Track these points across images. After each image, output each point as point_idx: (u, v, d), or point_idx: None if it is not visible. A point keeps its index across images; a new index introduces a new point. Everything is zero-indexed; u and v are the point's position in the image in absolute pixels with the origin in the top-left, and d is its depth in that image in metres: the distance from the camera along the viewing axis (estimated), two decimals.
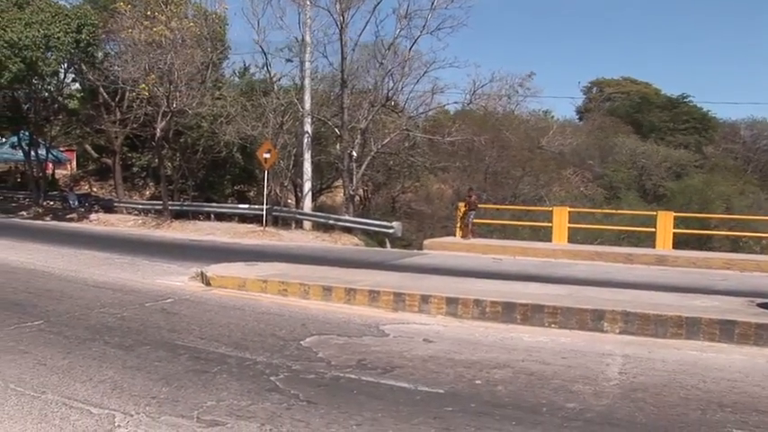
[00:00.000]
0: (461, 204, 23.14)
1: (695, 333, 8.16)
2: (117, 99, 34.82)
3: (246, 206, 32.43)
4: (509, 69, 63.26)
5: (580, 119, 70.33)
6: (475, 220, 22.52)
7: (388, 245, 24.60)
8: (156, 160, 33.99)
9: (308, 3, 29.42)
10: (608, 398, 5.85)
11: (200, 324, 8.57)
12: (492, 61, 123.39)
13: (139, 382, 6.06)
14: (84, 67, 32.76)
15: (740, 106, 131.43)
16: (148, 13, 26.68)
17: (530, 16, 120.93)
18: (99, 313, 9.13)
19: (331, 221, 27.89)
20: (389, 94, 32.04)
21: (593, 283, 12.42)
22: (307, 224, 28.76)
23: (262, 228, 26.32)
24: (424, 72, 31.26)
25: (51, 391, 5.76)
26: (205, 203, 33.89)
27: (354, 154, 30.54)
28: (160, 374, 6.28)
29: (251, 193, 40.00)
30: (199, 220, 30.78)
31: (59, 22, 26.37)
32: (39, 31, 25.64)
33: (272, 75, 33.22)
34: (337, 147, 32.81)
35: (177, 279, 12.57)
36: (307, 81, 30.16)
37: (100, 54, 31.91)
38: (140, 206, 35.04)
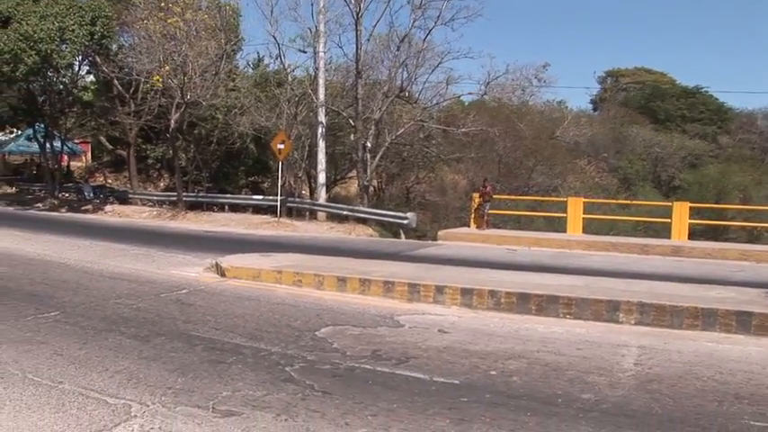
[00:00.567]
0: (476, 195, 23.07)
1: (711, 324, 8.11)
2: (131, 91, 34.91)
3: (260, 197, 32.48)
4: (523, 59, 63.41)
5: (595, 109, 70.04)
6: (490, 211, 22.48)
7: (402, 236, 24.54)
8: (171, 152, 34.00)
9: None
10: (623, 389, 5.83)
11: (216, 315, 8.59)
12: (506, 51, 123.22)
13: (155, 372, 6.09)
14: (98, 60, 32.83)
15: (757, 96, 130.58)
16: (162, 4, 26.70)
17: (545, 6, 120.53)
18: (115, 304, 9.18)
19: (345, 212, 27.88)
20: (403, 85, 31.99)
21: (609, 273, 12.38)
22: (321, 215, 28.78)
23: (276, 219, 26.34)
24: (438, 63, 31.20)
25: (68, 381, 5.80)
26: (219, 195, 33.93)
27: (368, 145, 30.54)
28: (176, 365, 6.31)
29: (265, 185, 40.05)
30: (213, 211, 30.82)
31: (74, 14, 26.39)
32: (54, 24, 25.68)
33: (285, 66, 33.23)
34: (351, 137, 32.80)
35: (192, 270, 12.60)
36: (321, 72, 30.15)
37: (114, 46, 31.95)
38: (155, 197, 35.11)
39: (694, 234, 21.39)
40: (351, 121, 31.62)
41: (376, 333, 7.78)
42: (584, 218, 21.75)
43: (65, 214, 29.69)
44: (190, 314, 8.63)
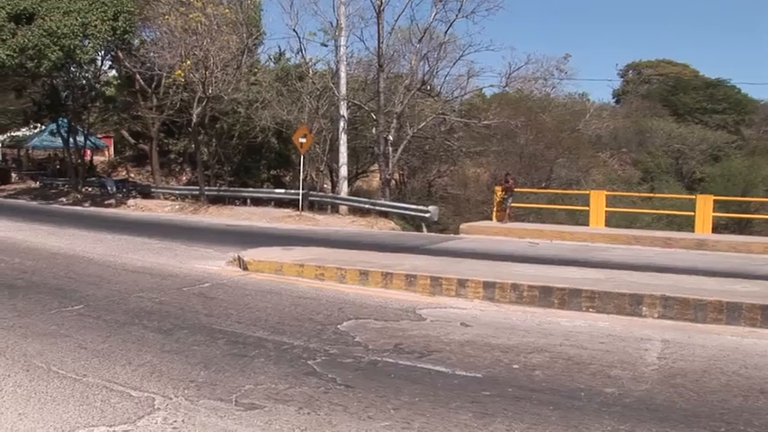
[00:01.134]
0: (498, 189, 23.00)
1: (736, 318, 8.02)
2: (153, 85, 35.16)
3: (282, 191, 32.53)
4: (545, 51, 62.79)
5: (617, 102, 69.50)
6: (512, 205, 22.41)
7: (424, 229, 24.53)
8: (193, 146, 34.22)
9: None
10: (647, 383, 5.78)
11: (238, 308, 8.61)
12: (527, 43, 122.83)
13: (178, 365, 6.11)
14: (120, 55, 33.11)
15: None
16: None
17: None
18: (137, 298, 9.22)
19: (367, 206, 27.90)
20: (425, 78, 31.97)
21: (631, 267, 12.26)
22: (343, 209, 28.83)
23: (298, 212, 26.39)
24: (460, 56, 31.20)
25: (92, 374, 5.83)
26: (241, 188, 34.07)
27: (390, 138, 30.53)
28: (198, 358, 6.33)
29: (287, 178, 40.16)
30: (235, 205, 30.96)
31: (96, 9, 26.56)
32: (76, 20, 25.87)
33: (306, 59, 33.28)
34: (373, 131, 32.83)
35: (214, 264, 12.62)
36: (342, 65, 30.17)
37: (136, 41, 32.21)
38: (177, 191, 35.31)
39: (718, 227, 21.21)
40: (372, 115, 31.66)
41: (398, 326, 7.77)
42: (606, 211, 21.61)
43: (88, 208, 29.94)
44: (212, 308, 8.66)
